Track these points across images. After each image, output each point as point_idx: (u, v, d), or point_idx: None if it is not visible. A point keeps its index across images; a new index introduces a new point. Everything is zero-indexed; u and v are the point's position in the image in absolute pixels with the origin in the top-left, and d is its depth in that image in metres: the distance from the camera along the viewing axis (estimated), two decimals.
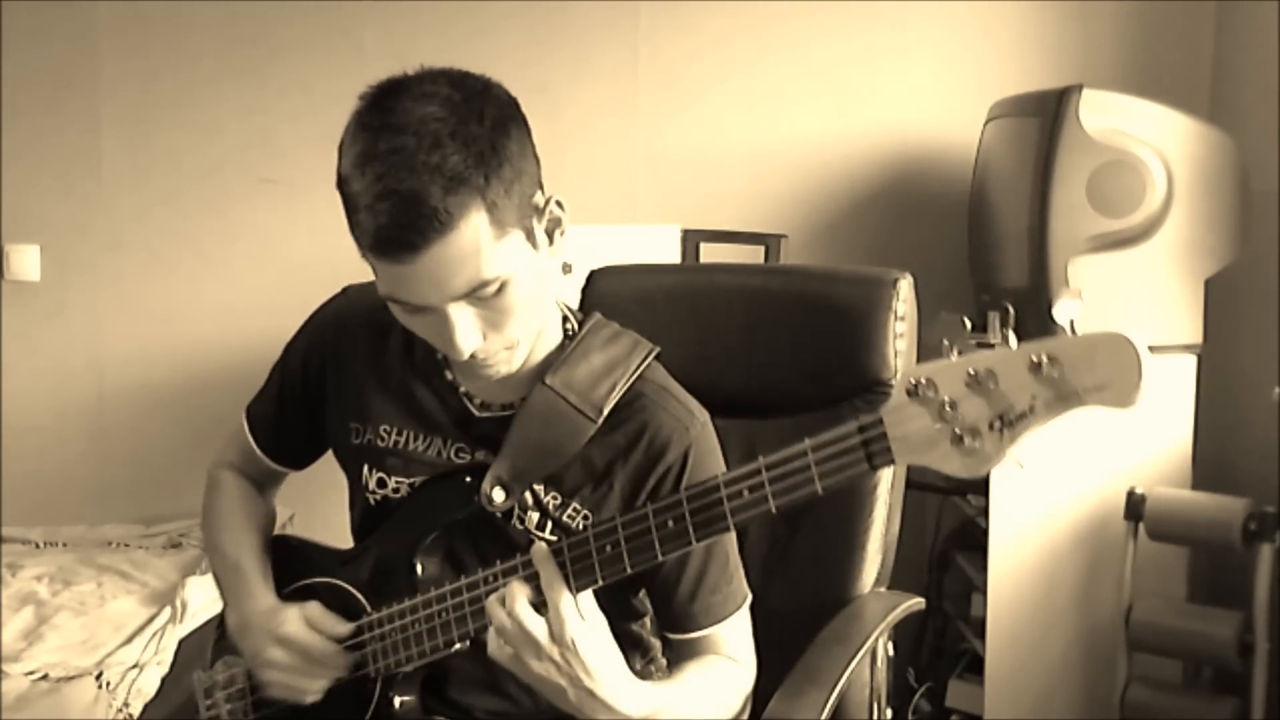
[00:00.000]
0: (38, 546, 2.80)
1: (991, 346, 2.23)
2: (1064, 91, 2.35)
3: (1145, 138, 2.36)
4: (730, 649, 1.35)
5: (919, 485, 2.42)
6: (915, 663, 2.79)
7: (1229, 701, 2.34)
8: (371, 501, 1.40)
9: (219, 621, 1.49)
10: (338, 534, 1.50)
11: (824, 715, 1.34)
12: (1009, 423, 0.99)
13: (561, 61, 2.92)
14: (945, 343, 1.06)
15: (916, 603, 1.66)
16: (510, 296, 1.20)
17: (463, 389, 1.37)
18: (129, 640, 2.31)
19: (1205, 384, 2.45)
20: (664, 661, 1.41)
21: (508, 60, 2.92)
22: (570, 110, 2.91)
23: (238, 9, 2.92)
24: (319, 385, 1.45)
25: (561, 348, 1.35)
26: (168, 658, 2.18)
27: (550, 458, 1.30)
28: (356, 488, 1.42)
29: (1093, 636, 2.45)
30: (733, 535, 1.34)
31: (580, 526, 1.31)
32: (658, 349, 1.37)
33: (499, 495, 1.30)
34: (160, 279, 2.99)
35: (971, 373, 0.99)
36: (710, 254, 2.68)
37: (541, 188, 1.25)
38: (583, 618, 1.18)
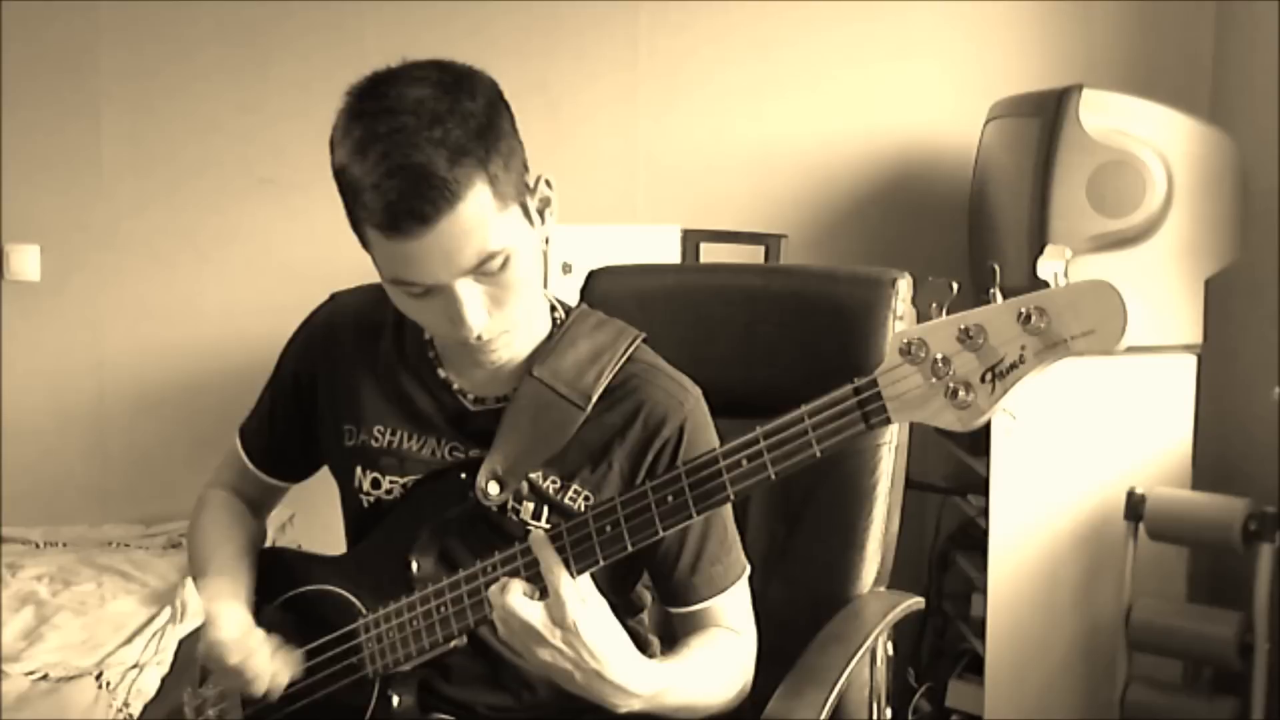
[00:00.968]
0: (38, 546, 2.80)
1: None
2: (1064, 91, 2.35)
3: (1145, 138, 2.36)
4: (731, 620, 1.36)
5: (919, 485, 2.42)
6: (915, 663, 2.79)
7: (1229, 701, 2.34)
8: (365, 504, 1.40)
9: None
10: (338, 535, 1.50)
11: (823, 715, 1.34)
12: (1000, 374, 1.02)
13: (561, 60, 2.92)
14: (934, 305, 1.08)
15: (916, 602, 1.66)
16: (513, 271, 1.22)
17: (455, 385, 1.37)
18: (129, 640, 2.31)
19: (1205, 384, 2.45)
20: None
21: (508, 58, 2.89)
22: (570, 109, 2.91)
23: (237, 8, 2.92)
24: (311, 394, 1.45)
25: (549, 339, 1.36)
26: (168, 658, 2.18)
27: (542, 448, 1.31)
28: (349, 491, 1.42)
29: (1093, 636, 2.45)
30: (728, 507, 1.35)
31: (581, 508, 1.32)
32: (643, 334, 1.39)
33: (494, 489, 1.30)
34: (160, 279, 2.99)
35: (962, 329, 1.03)
36: (710, 254, 2.68)
37: (528, 167, 1.27)
38: (583, 601, 1.18)
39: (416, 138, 1.15)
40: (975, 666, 2.58)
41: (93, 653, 2.26)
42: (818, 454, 1.11)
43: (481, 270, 1.20)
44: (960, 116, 2.77)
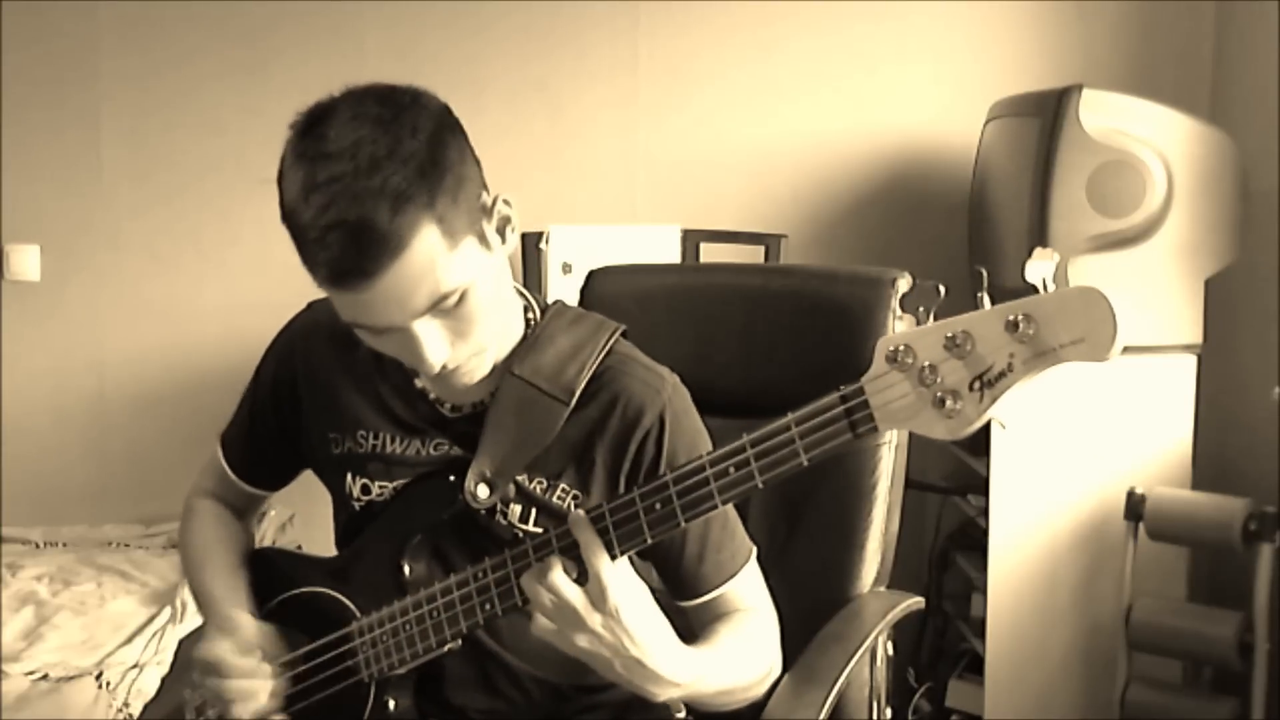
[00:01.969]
0: (38, 546, 2.80)
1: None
2: (1064, 91, 2.35)
3: (1145, 138, 2.36)
4: (747, 601, 1.34)
5: (919, 485, 2.42)
6: (915, 663, 2.79)
7: (1229, 701, 2.34)
8: (356, 508, 1.39)
9: None
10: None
11: (823, 714, 1.34)
12: (988, 383, 1.00)
13: (561, 60, 2.92)
14: (921, 309, 1.07)
15: (916, 602, 1.66)
16: (472, 303, 1.20)
17: (432, 395, 1.36)
18: (129, 640, 2.31)
19: (1205, 384, 2.45)
20: None
21: (507, 59, 2.93)
22: (570, 109, 2.91)
23: (237, 9, 2.92)
24: (291, 403, 1.45)
25: (524, 338, 1.35)
26: (168, 658, 2.18)
27: (529, 446, 1.30)
28: (341, 498, 1.41)
29: (1093, 636, 2.45)
30: None
31: (570, 507, 1.31)
32: (623, 326, 1.37)
33: (483, 491, 1.29)
34: (160, 279, 2.99)
35: (949, 336, 1.01)
36: (710, 254, 2.68)
37: (486, 188, 1.24)
38: (625, 584, 1.17)
39: (355, 187, 1.11)
40: (975, 666, 2.58)
41: (93, 653, 2.26)
42: (805, 463, 1.09)
43: (438, 309, 1.18)
44: (960, 116, 2.77)
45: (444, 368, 1.22)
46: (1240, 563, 2.32)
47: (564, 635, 1.17)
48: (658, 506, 1.16)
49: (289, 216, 1.17)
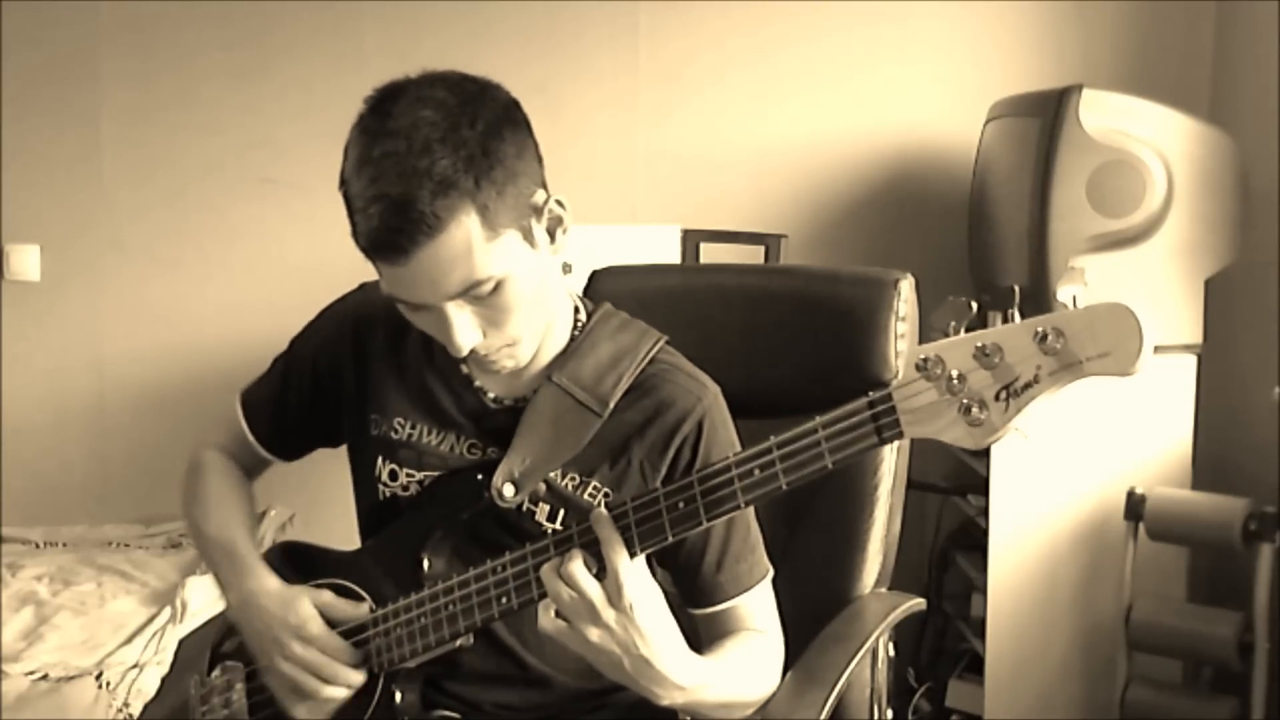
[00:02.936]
0: (38, 546, 2.80)
1: None
2: (1064, 91, 2.35)
3: (1145, 138, 2.36)
4: (757, 621, 1.35)
5: (919, 485, 2.42)
6: (915, 663, 2.79)
7: (1229, 701, 2.34)
8: (382, 496, 1.40)
9: (219, 628, 1.49)
10: (338, 535, 1.50)
11: (823, 715, 1.34)
12: (1015, 393, 1.03)
13: (562, 61, 2.92)
14: (952, 324, 1.09)
15: (917, 603, 1.66)
16: (508, 295, 1.22)
17: (477, 383, 1.38)
18: (129, 640, 2.31)
19: (1205, 384, 2.45)
20: None
21: (507, 60, 2.93)
22: (570, 110, 2.91)
23: (238, 9, 2.92)
24: (331, 380, 1.45)
25: (571, 340, 1.36)
26: (168, 658, 2.17)
27: (559, 452, 1.32)
28: (368, 481, 1.42)
29: (1093, 636, 2.45)
30: (752, 508, 1.33)
31: (600, 504, 1.31)
32: (665, 337, 1.39)
33: (509, 490, 1.31)
34: (160, 279, 2.99)
35: (979, 346, 1.03)
36: (710, 254, 2.68)
37: (545, 187, 1.26)
38: (641, 584, 1.18)
39: (403, 166, 1.15)
40: (975, 666, 2.58)
41: (93, 653, 2.26)
42: (829, 466, 1.11)
43: (472, 294, 1.21)
44: (960, 116, 2.77)
45: (473, 351, 1.25)
46: (1240, 563, 2.32)
47: (575, 630, 1.17)
48: (681, 505, 1.17)
49: (344, 184, 1.21)
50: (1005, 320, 1.04)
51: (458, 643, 1.29)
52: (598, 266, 1.82)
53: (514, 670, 1.23)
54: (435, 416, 1.38)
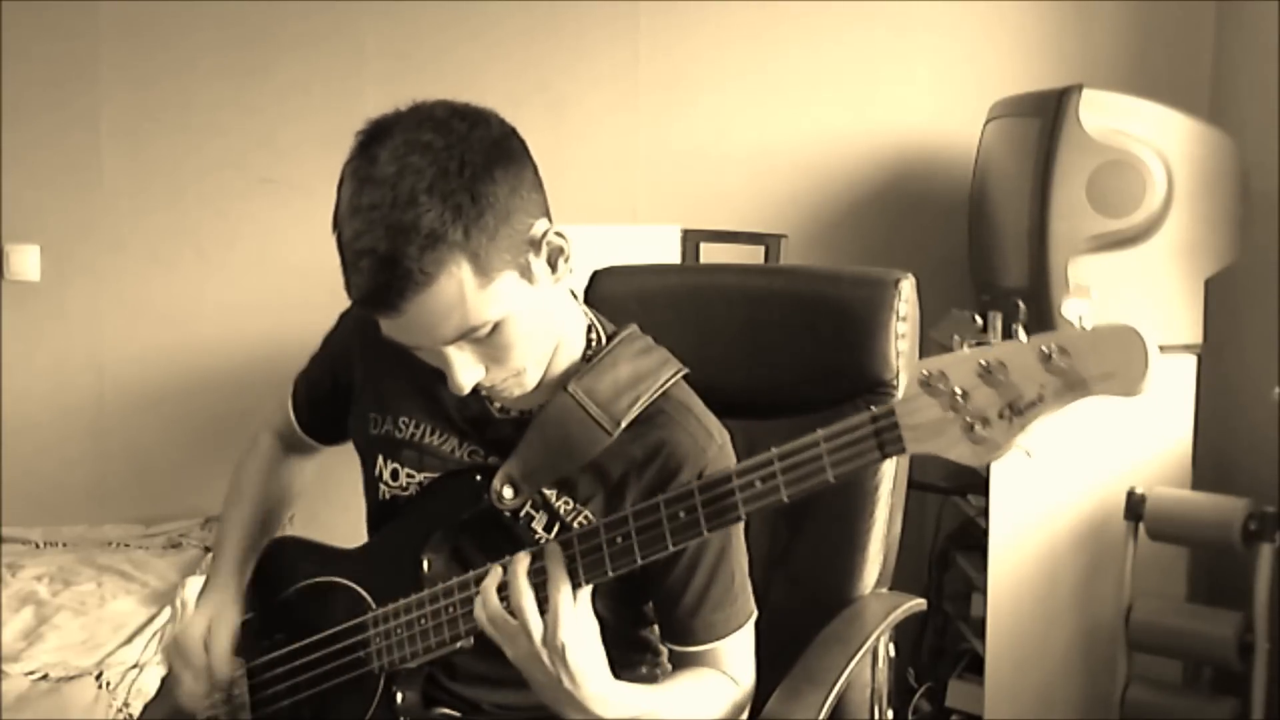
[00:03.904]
0: (38, 546, 2.80)
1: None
2: (1064, 91, 2.35)
3: (1145, 138, 2.36)
4: (728, 666, 1.34)
5: (919, 485, 2.42)
6: (915, 663, 2.79)
7: (1229, 701, 2.34)
8: (383, 496, 1.41)
9: None
10: (338, 535, 1.51)
11: (822, 715, 1.34)
12: (1018, 411, 1.02)
13: (562, 61, 2.92)
14: (956, 338, 1.09)
15: (918, 604, 1.65)
16: (507, 334, 1.21)
17: (484, 391, 1.37)
18: (129, 640, 2.31)
19: (1205, 384, 2.45)
20: (669, 667, 1.41)
21: (508, 60, 2.93)
22: (571, 110, 2.91)
23: (238, 9, 2.92)
24: (346, 374, 1.47)
25: (585, 357, 1.35)
26: None
27: (563, 462, 1.31)
28: (371, 480, 1.43)
29: (1093, 636, 2.45)
30: (741, 553, 1.35)
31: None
32: (686, 369, 1.37)
33: (508, 493, 1.30)
34: (160, 279, 2.99)
35: (983, 364, 1.02)
36: (710, 254, 2.68)
37: (546, 214, 1.24)
38: (577, 623, 1.19)
39: (390, 219, 1.13)
40: (975, 666, 2.58)
41: (93, 653, 2.26)
42: (831, 480, 1.11)
43: (469, 338, 1.20)
44: (960, 116, 2.77)
45: (478, 385, 1.24)
46: (1240, 563, 2.32)
47: (507, 646, 1.21)
48: (682, 515, 1.18)
49: (335, 226, 1.20)
50: (1006, 324, 1.03)
51: (458, 645, 1.30)
52: (598, 266, 1.81)
53: (514, 671, 1.24)
54: (439, 418, 1.38)
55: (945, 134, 2.86)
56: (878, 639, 1.55)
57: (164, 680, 1.60)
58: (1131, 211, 2.36)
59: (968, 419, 1.03)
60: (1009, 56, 2.85)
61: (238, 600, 1.47)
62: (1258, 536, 2.26)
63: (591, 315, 1.40)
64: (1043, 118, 2.36)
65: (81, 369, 3.00)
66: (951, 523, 2.79)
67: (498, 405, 1.36)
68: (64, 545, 2.81)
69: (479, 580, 1.26)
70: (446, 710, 1.39)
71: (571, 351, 1.35)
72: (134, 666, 2.21)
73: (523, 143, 1.22)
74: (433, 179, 1.14)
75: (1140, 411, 2.42)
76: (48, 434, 2.99)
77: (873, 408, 1.10)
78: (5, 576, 2.57)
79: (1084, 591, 2.45)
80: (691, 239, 2.66)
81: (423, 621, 1.30)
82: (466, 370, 1.22)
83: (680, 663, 1.35)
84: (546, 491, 1.32)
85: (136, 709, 2.11)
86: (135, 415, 3.00)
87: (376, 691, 1.35)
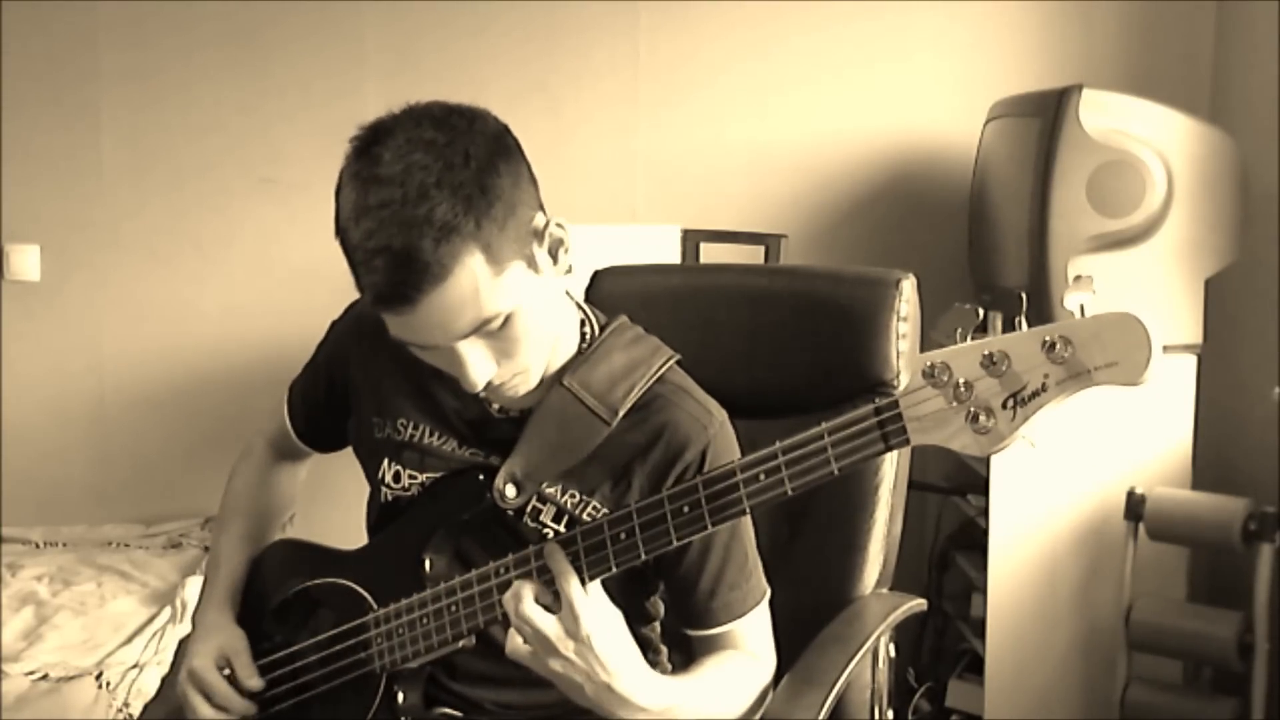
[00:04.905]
0: (38, 546, 2.80)
1: None
2: (1064, 91, 2.35)
3: (1145, 138, 2.36)
4: (750, 644, 1.35)
5: (920, 485, 2.42)
6: (915, 663, 2.79)
7: (1229, 701, 2.34)
8: (386, 498, 1.41)
9: None
10: (338, 535, 1.51)
11: (822, 715, 1.34)
12: (1022, 401, 1.03)
13: (562, 60, 2.92)
14: (959, 331, 1.09)
15: (918, 604, 1.65)
16: (518, 326, 1.22)
17: (485, 393, 1.37)
18: (129, 640, 2.31)
19: (1205, 384, 2.45)
20: (669, 666, 1.42)
21: (507, 59, 2.93)
22: (570, 109, 2.91)
23: (237, 8, 2.92)
24: (342, 380, 1.47)
25: (579, 351, 1.36)
26: (168, 658, 2.18)
27: (564, 456, 1.31)
28: (374, 484, 1.43)
29: (1093, 636, 2.45)
30: (750, 531, 1.35)
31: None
32: (678, 355, 1.38)
33: (511, 491, 1.31)
34: (160, 279, 2.98)
35: (986, 354, 1.03)
36: (710, 254, 2.68)
37: (542, 208, 1.25)
38: (597, 612, 1.19)
39: (402, 215, 1.13)
40: (975, 666, 2.58)
41: (93, 653, 2.26)
42: (835, 472, 1.11)
43: (483, 331, 1.20)
44: (960, 116, 2.77)
45: (488, 385, 1.24)
46: (1240, 563, 2.32)
47: (537, 659, 1.19)
48: (686, 509, 1.18)
49: (341, 233, 1.19)
50: (1007, 323, 1.04)
51: (460, 644, 1.30)
52: (599, 266, 1.82)
53: (516, 670, 1.24)
54: (438, 419, 1.39)
55: (945, 134, 2.86)
56: (878, 639, 1.55)
57: (164, 680, 1.61)
58: (1131, 211, 2.36)
59: (971, 409, 1.04)
60: (1009, 56, 2.85)
61: (234, 621, 1.47)
62: (1258, 536, 2.26)
63: (585, 309, 1.41)
64: (1043, 118, 2.36)
65: (81, 369, 3.00)
66: (951, 523, 2.79)
67: (496, 406, 1.36)
68: (64, 545, 2.81)
69: (480, 580, 1.27)
70: (448, 710, 1.39)
71: (568, 347, 1.36)
72: (134, 666, 2.21)
73: (515, 138, 1.24)
74: (440, 173, 1.14)
75: (1140, 411, 2.42)
76: (48, 434, 2.99)
77: (876, 400, 1.09)
78: (5, 576, 2.57)
79: (1084, 591, 2.45)
80: (691, 239, 2.66)
81: (424, 621, 1.31)
82: (480, 366, 1.22)
83: (701, 648, 1.35)
84: (550, 488, 1.33)
85: (136, 709, 2.11)
86: (135, 415, 3.00)
87: (378, 692, 1.35)
